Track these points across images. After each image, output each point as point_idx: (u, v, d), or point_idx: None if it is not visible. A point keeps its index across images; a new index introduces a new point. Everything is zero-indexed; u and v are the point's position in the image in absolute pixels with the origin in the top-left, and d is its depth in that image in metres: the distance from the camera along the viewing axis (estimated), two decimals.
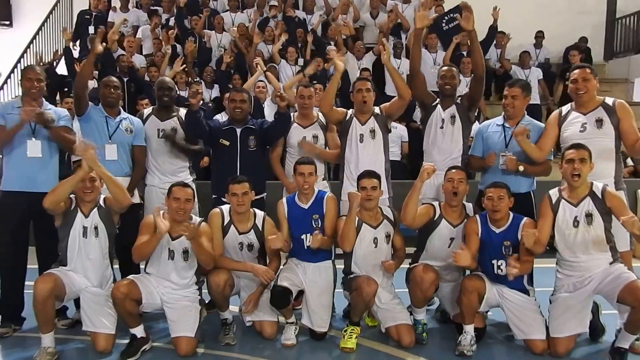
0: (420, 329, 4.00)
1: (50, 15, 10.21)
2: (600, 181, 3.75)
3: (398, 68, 8.34)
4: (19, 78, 4.22)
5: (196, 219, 3.93)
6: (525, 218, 3.87)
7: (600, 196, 3.63)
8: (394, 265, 4.01)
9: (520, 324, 3.79)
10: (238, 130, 4.53)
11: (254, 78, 7.34)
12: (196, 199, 4.19)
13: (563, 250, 3.76)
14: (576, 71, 3.95)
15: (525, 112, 4.33)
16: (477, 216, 3.97)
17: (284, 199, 4.19)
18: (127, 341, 3.72)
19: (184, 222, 3.67)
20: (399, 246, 4.15)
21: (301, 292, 4.05)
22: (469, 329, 3.82)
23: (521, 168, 4.09)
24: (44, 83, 4.14)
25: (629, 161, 8.59)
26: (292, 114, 4.80)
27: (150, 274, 3.86)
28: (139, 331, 3.72)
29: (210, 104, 7.78)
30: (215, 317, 4.12)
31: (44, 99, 4.18)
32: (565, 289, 3.75)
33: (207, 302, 4.10)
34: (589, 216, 3.63)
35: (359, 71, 8.22)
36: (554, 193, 3.80)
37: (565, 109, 4.07)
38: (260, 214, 4.11)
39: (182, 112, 4.68)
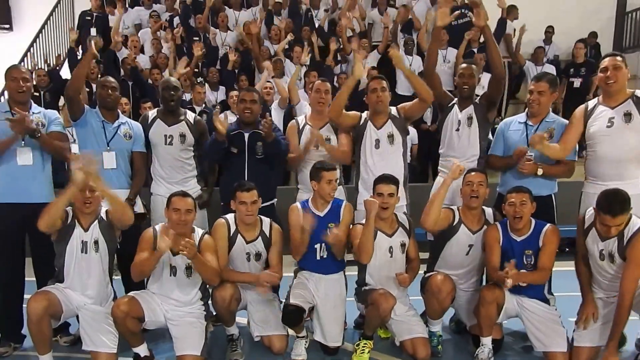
0: (436, 341, 3.85)
1: (51, 18, 10.07)
2: (629, 182, 3.51)
3: (410, 65, 8.26)
4: (5, 78, 3.88)
5: (199, 230, 3.72)
6: (548, 225, 3.66)
7: (625, 241, 3.31)
8: (409, 279, 3.80)
9: (541, 335, 3.60)
10: (246, 135, 4.26)
11: (262, 82, 7.13)
12: (198, 209, 3.94)
13: (593, 272, 3.56)
14: (606, 59, 3.67)
15: (550, 109, 4.08)
16: (498, 224, 3.76)
17: (298, 204, 3.95)
18: None
19: (186, 234, 3.49)
20: (413, 256, 3.94)
21: (312, 308, 3.86)
22: (487, 341, 3.66)
23: (540, 172, 3.86)
24: (30, 83, 3.89)
25: None
26: (303, 115, 4.54)
27: (152, 291, 3.67)
28: (142, 350, 3.54)
29: (218, 107, 7.59)
30: (222, 332, 3.93)
31: (32, 101, 3.94)
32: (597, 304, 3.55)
33: (213, 313, 3.91)
34: (611, 256, 3.39)
35: (365, 70, 8.04)
36: (589, 215, 3.52)
37: (591, 103, 3.82)
38: (266, 220, 3.91)
39: (190, 115, 4.47)
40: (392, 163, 4.12)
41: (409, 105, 4.21)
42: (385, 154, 4.12)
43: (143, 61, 8.29)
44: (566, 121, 3.98)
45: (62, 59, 8.98)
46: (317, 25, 9.38)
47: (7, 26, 10.71)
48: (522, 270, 3.57)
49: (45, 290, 3.49)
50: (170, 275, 3.61)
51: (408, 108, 4.19)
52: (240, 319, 3.99)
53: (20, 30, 10.68)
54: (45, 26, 9.86)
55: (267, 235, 3.86)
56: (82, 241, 3.56)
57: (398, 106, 4.23)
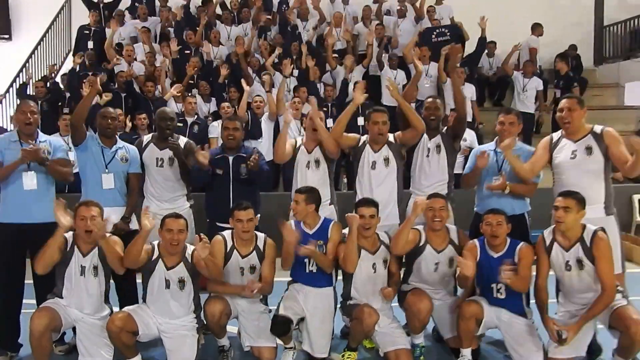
0: (419, 351, 4.11)
1: (50, 30, 10.38)
2: (591, 207, 3.79)
3: (395, 79, 8.66)
4: (15, 111, 4.26)
5: (190, 247, 3.98)
6: (522, 243, 3.94)
7: (589, 244, 3.66)
8: (393, 293, 4.10)
9: (519, 348, 3.85)
10: (230, 159, 4.66)
11: (245, 97, 7.52)
12: (191, 227, 4.31)
13: (560, 285, 3.90)
14: (564, 100, 4.07)
15: (517, 139, 4.43)
16: (476, 241, 4.04)
17: (292, 222, 4.21)
18: None
19: (178, 253, 3.84)
20: (394, 271, 4.21)
21: (301, 319, 4.13)
22: (467, 352, 3.94)
23: (507, 190, 4.21)
24: (38, 116, 4.22)
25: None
26: (301, 138, 4.88)
27: (147, 304, 3.94)
28: None
29: (210, 118, 7.96)
30: (212, 341, 4.21)
31: (38, 131, 4.25)
32: (566, 315, 3.85)
33: (204, 322, 4.15)
34: (579, 262, 3.69)
35: (351, 83, 8.44)
36: (548, 235, 3.86)
37: (556, 135, 4.18)
38: (261, 236, 4.19)
39: (182, 140, 4.86)
40: (386, 184, 4.48)
41: (403, 133, 4.55)
42: (380, 175, 4.48)
43: (137, 68, 8.60)
44: (532, 148, 4.37)
45: (56, 68, 9.24)
46: (305, 39, 9.72)
47: (7, 36, 10.99)
48: (499, 285, 3.89)
49: (46, 306, 3.74)
50: (165, 288, 3.89)
51: (403, 136, 4.54)
52: (231, 328, 4.24)
53: (19, 40, 10.97)
54: (44, 38, 10.18)
55: (262, 249, 4.12)
56: (81, 265, 3.82)
57: (395, 133, 4.57)
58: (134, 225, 4.44)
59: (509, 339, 3.91)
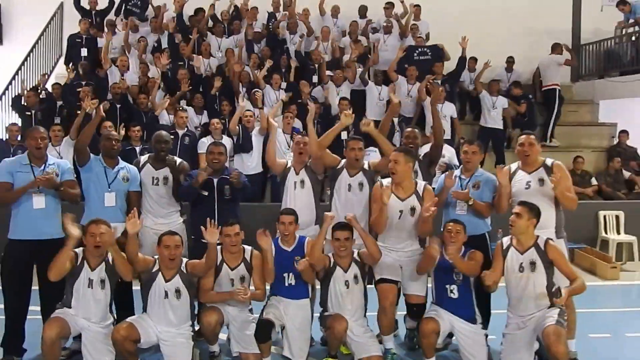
0: (390, 357, 4.53)
1: (42, 36, 10.48)
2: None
3: (379, 94, 8.99)
4: (26, 137, 4.56)
5: (183, 260, 4.36)
6: (473, 250, 4.40)
7: (542, 248, 4.15)
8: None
9: (469, 356, 4.32)
10: (215, 180, 4.97)
11: (238, 112, 7.76)
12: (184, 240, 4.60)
13: (510, 292, 4.28)
14: (523, 137, 4.59)
15: (479, 166, 4.90)
16: (437, 245, 4.41)
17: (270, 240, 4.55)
18: None
19: (175, 267, 4.20)
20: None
21: (282, 327, 4.49)
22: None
23: (470, 202, 4.60)
24: (47, 141, 4.52)
25: (594, 180, 9.29)
26: (290, 160, 5.17)
27: (148, 314, 4.27)
28: None
29: (199, 129, 8.19)
30: (202, 347, 4.58)
31: (47, 155, 4.54)
32: (513, 327, 4.25)
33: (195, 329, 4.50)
34: (532, 264, 4.14)
35: (338, 98, 8.75)
36: (506, 240, 4.34)
37: (513, 166, 4.67)
38: (248, 248, 4.57)
39: (177, 160, 5.17)
40: (360, 206, 4.80)
41: (378, 161, 4.91)
42: (355, 198, 4.82)
43: (130, 79, 8.81)
44: (491, 176, 4.76)
45: (46, 78, 9.38)
46: (294, 51, 9.98)
47: None
48: (452, 286, 4.34)
49: (57, 316, 4.09)
50: (164, 298, 4.22)
51: (377, 164, 4.90)
52: (221, 336, 4.60)
53: (10, 45, 11.03)
54: (37, 44, 10.30)
55: (249, 261, 4.52)
56: (89, 278, 4.16)
57: (370, 161, 4.94)
58: None
59: (462, 345, 4.36)
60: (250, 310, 4.62)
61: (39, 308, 4.49)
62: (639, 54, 10.84)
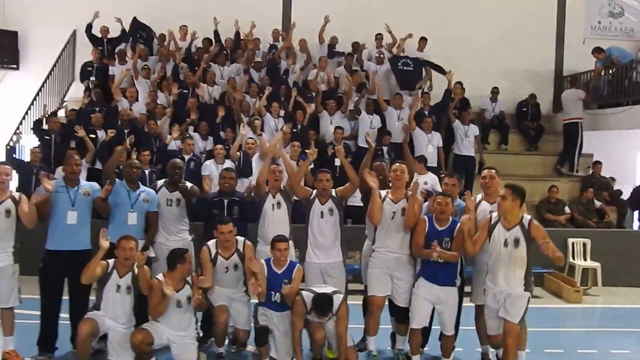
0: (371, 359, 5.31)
1: (57, 63, 11.22)
2: (513, 289, 4.74)
3: (371, 123, 9.70)
4: (64, 163, 5.40)
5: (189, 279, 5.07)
6: (461, 221, 4.98)
7: (527, 227, 4.69)
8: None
9: (445, 315, 5.06)
10: (225, 202, 5.74)
11: (239, 139, 8.50)
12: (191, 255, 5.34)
13: (491, 264, 4.83)
14: (485, 171, 5.32)
15: (458, 196, 5.58)
16: (426, 217, 5.12)
17: (263, 261, 5.23)
18: None
19: (183, 282, 5.00)
20: None
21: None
22: (416, 358, 5.20)
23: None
24: (80, 167, 5.32)
25: (567, 209, 9.97)
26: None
27: (160, 320, 4.96)
28: None
29: (204, 154, 8.89)
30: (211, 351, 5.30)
31: (80, 177, 5.35)
32: (490, 298, 4.87)
33: (200, 335, 5.24)
34: (516, 241, 4.68)
35: (332, 126, 9.49)
36: (495, 216, 4.86)
37: (494, 217, 4.90)
38: (241, 239, 5.30)
39: (188, 184, 5.87)
40: (332, 229, 5.47)
41: (342, 188, 5.60)
42: (327, 222, 5.47)
43: (138, 109, 9.52)
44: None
45: (66, 105, 10.08)
46: (293, 81, 10.73)
47: (15, 66, 11.77)
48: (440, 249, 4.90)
49: (89, 317, 4.85)
50: (177, 307, 4.94)
51: (342, 190, 5.58)
52: None
53: (26, 70, 11.79)
54: (53, 70, 11.03)
55: (242, 251, 5.23)
56: (117, 284, 4.91)
57: (337, 189, 5.60)
58: (150, 253, 5.49)
59: (442, 311, 5.06)
60: (247, 293, 5.34)
61: (65, 314, 5.27)
62: (616, 90, 11.50)
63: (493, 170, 5.33)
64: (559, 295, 8.21)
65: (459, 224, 4.99)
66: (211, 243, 5.26)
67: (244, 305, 5.33)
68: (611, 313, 7.91)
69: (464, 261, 5.29)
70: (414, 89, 10.71)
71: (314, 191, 5.61)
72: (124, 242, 4.91)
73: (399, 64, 10.84)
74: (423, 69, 10.94)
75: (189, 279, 5.04)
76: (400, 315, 5.31)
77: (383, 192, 5.34)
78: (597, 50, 11.69)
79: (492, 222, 4.86)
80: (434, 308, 5.14)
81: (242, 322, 5.30)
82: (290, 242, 5.58)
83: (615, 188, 10.91)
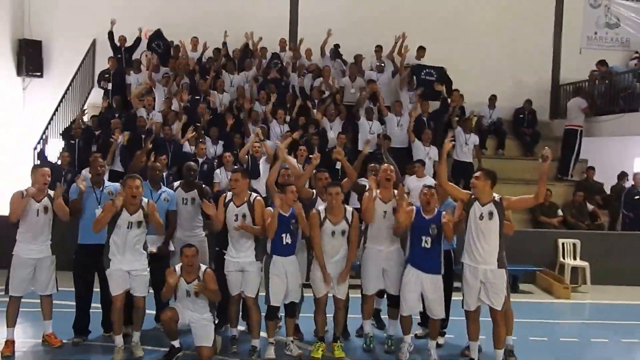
0: (368, 340, 5.90)
1: (79, 71, 11.91)
2: (487, 258, 5.27)
3: (370, 129, 10.28)
4: (90, 167, 6.11)
5: (202, 266, 5.52)
6: (444, 212, 5.47)
7: (498, 201, 5.23)
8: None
9: (431, 300, 5.51)
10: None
11: (249, 145, 9.09)
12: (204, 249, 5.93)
13: (468, 238, 5.33)
14: (476, 173, 5.52)
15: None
16: (414, 207, 5.60)
17: (271, 208, 5.57)
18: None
19: (194, 271, 5.43)
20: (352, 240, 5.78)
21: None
22: (407, 338, 5.71)
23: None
24: (104, 169, 5.96)
25: (560, 212, 10.47)
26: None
27: (176, 303, 5.51)
28: (176, 343, 5.46)
29: (215, 160, 9.49)
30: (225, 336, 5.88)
31: (104, 179, 5.99)
32: (467, 274, 5.35)
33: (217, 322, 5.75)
34: (490, 214, 5.22)
35: (332, 131, 10.16)
36: (473, 196, 5.34)
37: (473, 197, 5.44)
38: (254, 195, 5.67)
39: (202, 186, 6.42)
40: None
41: (342, 183, 6.02)
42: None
43: (155, 117, 10.13)
44: (453, 203, 5.90)
45: (83, 112, 10.72)
46: (298, 89, 11.34)
47: (39, 74, 12.45)
48: (427, 237, 5.42)
49: (172, 307, 5.50)
50: (187, 296, 5.44)
51: (342, 184, 5.94)
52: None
53: (49, 77, 12.46)
54: (75, 78, 11.71)
55: (251, 203, 5.57)
56: (129, 222, 5.42)
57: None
58: (171, 247, 6.06)
59: (428, 297, 5.51)
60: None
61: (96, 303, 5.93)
62: (611, 98, 12.04)
63: (478, 174, 5.45)
64: (549, 291, 8.74)
65: (443, 213, 5.52)
66: (229, 194, 5.68)
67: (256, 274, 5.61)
68: (597, 308, 8.41)
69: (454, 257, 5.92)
70: (437, 98, 11.28)
71: (314, 191, 6.15)
72: (130, 181, 5.38)
73: (422, 73, 11.42)
74: (446, 74, 11.53)
75: (200, 273, 5.45)
76: (392, 300, 5.85)
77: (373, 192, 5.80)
78: (601, 63, 12.27)
79: (468, 200, 5.37)
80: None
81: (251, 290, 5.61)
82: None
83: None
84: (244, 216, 5.57)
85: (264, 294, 5.64)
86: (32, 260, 5.53)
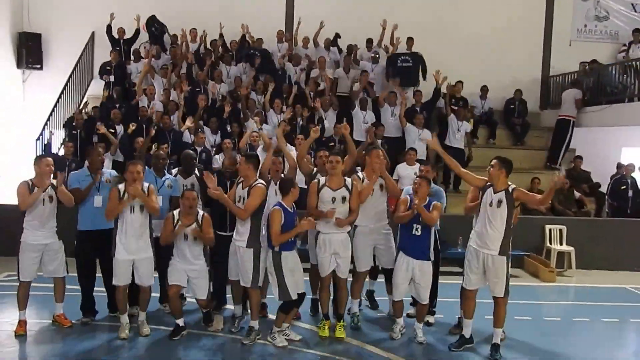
0: (355, 319, 6.28)
1: (78, 63, 12.14)
2: (491, 243, 5.52)
3: (364, 118, 10.59)
4: (89, 155, 6.27)
5: (200, 212, 5.82)
6: (435, 202, 5.78)
7: (510, 192, 5.45)
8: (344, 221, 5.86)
9: (420, 284, 5.80)
10: (229, 184, 6.26)
11: (248, 134, 9.31)
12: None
13: (478, 223, 5.59)
14: (493, 161, 5.63)
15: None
16: (408, 196, 5.85)
17: (277, 206, 5.62)
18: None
19: (193, 215, 5.70)
20: (353, 208, 5.94)
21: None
22: (400, 321, 6.06)
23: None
24: (104, 157, 6.23)
25: None
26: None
27: (174, 253, 5.78)
28: (181, 322, 5.79)
29: (214, 148, 9.77)
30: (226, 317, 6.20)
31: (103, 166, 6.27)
32: (470, 254, 5.64)
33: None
34: (500, 202, 5.47)
35: (327, 121, 10.49)
36: (488, 184, 5.56)
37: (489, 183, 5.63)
38: (258, 180, 5.80)
39: (198, 171, 6.66)
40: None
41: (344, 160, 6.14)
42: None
43: (157, 106, 10.44)
44: (439, 188, 6.27)
45: (85, 104, 11.02)
46: (294, 80, 11.62)
47: (38, 66, 12.65)
48: (417, 225, 5.70)
49: (176, 284, 5.81)
50: (184, 241, 5.70)
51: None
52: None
53: (49, 70, 12.67)
54: (75, 70, 11.92)
55: (251, 187, 5.67)
56: (131, 207, 5.67)
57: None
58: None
59: (418, 282, 5.81)
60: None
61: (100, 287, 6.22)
62: (598, 90, 12.37)
63: (493, 162, 5.60)
64: (536, 275, 9.09)
65: (434, 202, 5.82)
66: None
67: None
68: (581, 290, 8.79)
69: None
70: (415, 84, 11.60)
71: (315, 168, 6.41)
72: (131, 166, 5.65)
73: (398, 61, 11.71)
74: (422, 59, 11.80)
75: (199, 217, 5.73)
76: (388, 275, 6.22)
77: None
78: (592, 62, 12.84)
79: (484, 187, 5.61)
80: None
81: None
82: None
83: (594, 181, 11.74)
84: (243, 200, 5.72)
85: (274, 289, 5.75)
86: (39, 246, 5.77)
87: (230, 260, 5.90)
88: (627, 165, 11.11)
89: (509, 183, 5.56)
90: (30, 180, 5.77)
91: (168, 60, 11.84)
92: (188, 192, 5.77)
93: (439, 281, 6.36)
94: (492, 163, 5.61)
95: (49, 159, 5.94)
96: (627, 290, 8.56)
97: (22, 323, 5.83)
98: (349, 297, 6.23)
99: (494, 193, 5.53)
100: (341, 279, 5.99)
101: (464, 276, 5.77)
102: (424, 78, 11.68)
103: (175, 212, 5.80)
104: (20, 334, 5.76)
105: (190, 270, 5.81)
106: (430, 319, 6.45)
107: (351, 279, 6.21)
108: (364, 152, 6.64)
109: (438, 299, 6.48)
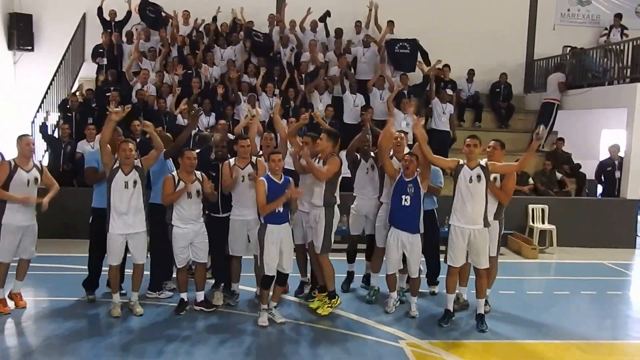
0: (372, 292, 6.66)
1: (70, 45, 12.16)
2: (474, 218, 5.78)
3: (354, 102, 10.83)
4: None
5: (197, 173, 5.95)
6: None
7: (485, 165, 5.74)
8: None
9: (410, 258, 6.10)
10: (220, 165, 6.30)
11: (243, 122, 9.47)
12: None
13: (457, 201, 5.81)
14: (469, 139, 5.85)
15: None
16: (401, 170, 6.10)
17: (263, 177, 5.81)
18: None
19: (192, 172, 5.88)
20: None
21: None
22: (393, 294, 6.35)
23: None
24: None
25: (531, 180, 11.17)
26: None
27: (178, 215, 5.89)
28: (185, 296, 6.06)
29: (208, 129, 9.94)
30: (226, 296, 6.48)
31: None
32: (454, 234, 5.84)
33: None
34: (479, 176, 5.71)
35: (321, 104, 10.63)
36: (462, 162, 5.83)
37: (461, 162, 5.91)
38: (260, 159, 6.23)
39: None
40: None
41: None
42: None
43: (151, 90, 10.59)
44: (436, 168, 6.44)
45: (83, 86, 11.15)
46: (285, 62, 11.80)
47: (30, 47, 12.65)
48: (406, 196, 5.96)
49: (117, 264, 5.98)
50: (187, 199, 5.83)
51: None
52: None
53: (40, 51, 12.69)
54: (67, 52, 11.96)
55: (254, 164, 6.13)
56: (125, 182, 5.76)
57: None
58: None
59: (406, 256, 6.09)
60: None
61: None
62: (580, 74, 12.65)
63: (475, 139, 5.83)
64: (518, 252, 9.50)
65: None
66: (232, 159, 6.13)
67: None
68: (561, 266, 9.21)
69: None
70: (412, 70, 11.82)
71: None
72: (123, 144, 5.69)
73: (396, 47, 11.88)
74: (420, 46, 12.02)
75: (199, 175, 5.90)
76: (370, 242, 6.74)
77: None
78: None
79: (456, 166, 5.84)
80: None
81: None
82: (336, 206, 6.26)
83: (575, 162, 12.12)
84: (249, 176, 6.02)
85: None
86: (21, 229, 5.83)
87: (239, 236, 6.15)
88: (611, 146, 11.31)
89: (479, 159, 5.81)
90: (13, 159, 5.79)
91: (157, 42, 11.91)
92: (188, 152, 5.89)
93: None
94: (474, 143, 5.74)
95: (30, 137, 5.96)
96: (605, 266, 8.99)
97: (3, 301, 5.94)
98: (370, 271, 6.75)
99: (471, 169, 5.76)
100: (316, 254, 6.18)
101: (447, 254, 5.96)
102: (428, 63, 11.84)
103: (175, 173, 5.94)
104: (4, 312, 5.85)
105: (192, 232, 5.93)
106: (435, 289, 6.96)
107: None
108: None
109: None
